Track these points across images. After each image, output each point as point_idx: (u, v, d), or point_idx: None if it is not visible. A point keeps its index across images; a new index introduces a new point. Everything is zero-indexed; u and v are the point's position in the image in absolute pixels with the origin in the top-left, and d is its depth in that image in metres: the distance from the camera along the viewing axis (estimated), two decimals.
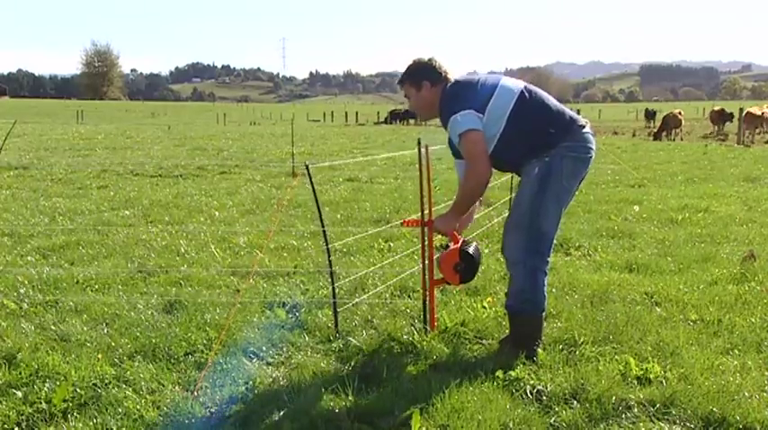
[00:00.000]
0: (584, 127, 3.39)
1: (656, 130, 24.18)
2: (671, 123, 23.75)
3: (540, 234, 3.30)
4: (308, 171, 3.56)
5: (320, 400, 2.91)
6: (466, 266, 3.52)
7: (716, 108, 24.88)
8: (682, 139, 22.95)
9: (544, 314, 3.46)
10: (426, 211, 3.68)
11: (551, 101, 3.41)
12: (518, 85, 3.39)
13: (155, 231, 6.45)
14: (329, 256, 3.81)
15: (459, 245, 3.56)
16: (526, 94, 3.33)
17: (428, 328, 3.67)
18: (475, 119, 3.24)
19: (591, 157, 3.40)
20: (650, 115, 29.65)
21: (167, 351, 3.42)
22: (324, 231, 3.80)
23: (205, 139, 21.31)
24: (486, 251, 5.62)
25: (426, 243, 3.66)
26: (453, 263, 3.52)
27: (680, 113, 24.70)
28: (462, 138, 3.26)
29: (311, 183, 3.66)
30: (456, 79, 3.48)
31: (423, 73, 3.48)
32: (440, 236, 3.73)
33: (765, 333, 3.68)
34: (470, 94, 3.32)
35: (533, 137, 3.30)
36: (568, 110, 3.46)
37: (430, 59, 3.51)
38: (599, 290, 4.40)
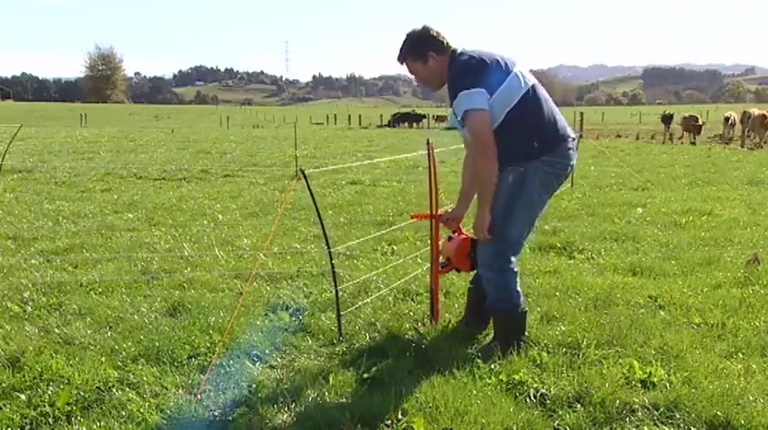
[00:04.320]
0: (568, 141, 3.36)
1: (691, 137, 23.34)
2: (691, 126, 23.22)
3: (508, 241, 3.36)
4: (305, 176, 3.58)
5: (324, 404, 2.91)
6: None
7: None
8: (681, 142, 22.86)
9: (524, 311, 3.49)
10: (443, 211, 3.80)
11: (547, 108, 3.33)
12: (528, 80, 3.30)
13: (158, 234, 6.46)
14: (331, 259, 3.82)
15: (467, 235, 3.72)
16: (530, 94, 3.28)
17: (433, 320, 3.80)
18: (484, 99, 3.17)
19: (567, 172, 3.42)
20: (667, 120, 28.65)
21: (171, 354, 3.42)
22: (325, 235, 3.81)
23: (208, 142, 21.36)
24: None
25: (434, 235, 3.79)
26: (467, 251, 3.68)
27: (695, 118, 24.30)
28: (469, 117, 3.19)
29: (309, 187, 3.69)
30: (468, 52, 3.33)
31: (426, 44, 3.35)
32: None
33: None
34: (484, 72, 3.21)
35: (516, 143, 3.26)
36: (561, 119, 3.40)
37: (426, 29, 3.37)
38: (602, 293, 4.39)
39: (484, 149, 3.23)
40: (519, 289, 3.44)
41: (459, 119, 3.29)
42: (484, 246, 3.41)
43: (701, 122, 23.33)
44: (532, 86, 3.31)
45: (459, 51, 3.36)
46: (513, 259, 3.40)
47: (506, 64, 3.29)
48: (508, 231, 3.33)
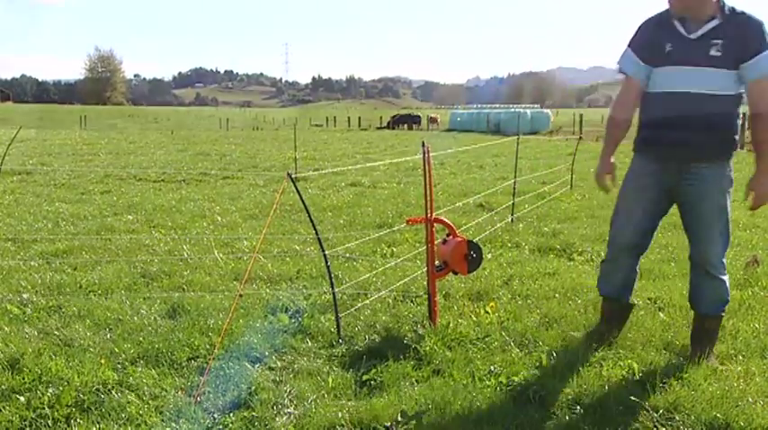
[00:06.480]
0: None
1: None
2: None
3: (730, 239, 3.38)
4: (293, 180, 3.59)
5: (323, 406, 2.91)
6: (475, 256, 3.77)
7: None
8: None
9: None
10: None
11: None
12: None
13: (158, 236, 6.45)
14: (327, 262, 3.83)
15: (462, 237, 3.76)
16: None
17: (432, 323, 3.78)
18: None
19: None
20: None
21: (170, 356, 3.42)
22: (318, 237, 3.81)
23: (208, 144, 21.37)
24: (489, 256, 5.61)
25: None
26: (464, 253, 3.73)
27: None
28: None
29: (297, 191, 3.70)
30: None
31: None
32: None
33: None
34: None
35: (735, 126, 3.27)
36: None
37: None
38: None
39: None
40: None
41: (756, 76, 3.11)
42: (721, 251, 3.32)
43: None
44: None
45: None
46: None
47: None
48: (731, 228, 3.34)
